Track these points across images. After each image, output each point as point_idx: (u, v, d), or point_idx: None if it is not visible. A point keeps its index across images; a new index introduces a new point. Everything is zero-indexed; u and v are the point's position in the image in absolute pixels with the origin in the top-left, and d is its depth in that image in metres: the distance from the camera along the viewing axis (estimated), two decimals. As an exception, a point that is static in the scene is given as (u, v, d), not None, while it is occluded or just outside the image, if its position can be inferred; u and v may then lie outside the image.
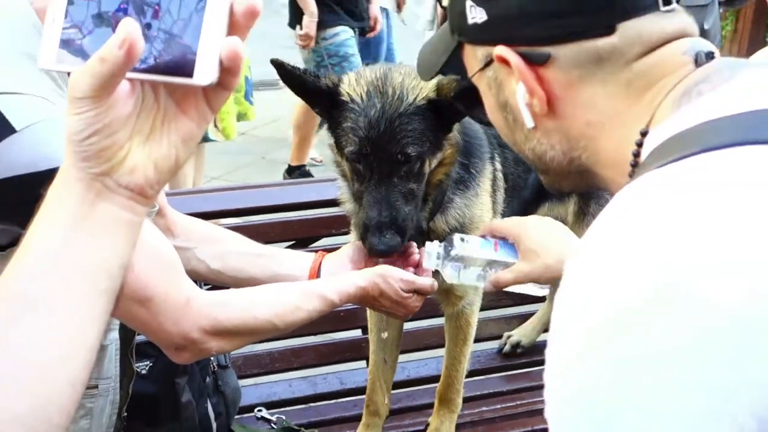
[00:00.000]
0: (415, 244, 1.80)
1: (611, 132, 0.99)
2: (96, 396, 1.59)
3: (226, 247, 1.82)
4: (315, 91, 1.77)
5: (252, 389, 2.40)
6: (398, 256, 1.77)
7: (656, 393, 0.71)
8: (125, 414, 1.74)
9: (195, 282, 1.64)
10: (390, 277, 1.69)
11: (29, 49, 1.27)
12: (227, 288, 1.73)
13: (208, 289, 1.76)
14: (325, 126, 1.84)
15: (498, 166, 2.02)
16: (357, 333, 2.46)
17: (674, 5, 0.97)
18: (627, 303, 0.74)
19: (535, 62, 0.99)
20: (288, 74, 1.73)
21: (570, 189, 1.16)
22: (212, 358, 2.15)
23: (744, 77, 0.91)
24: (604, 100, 0.99)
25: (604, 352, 0.74)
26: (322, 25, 5.21)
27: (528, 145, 1.08)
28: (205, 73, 0.76)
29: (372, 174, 1.74)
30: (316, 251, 1.89)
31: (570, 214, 2.34)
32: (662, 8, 0.96)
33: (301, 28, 5.20)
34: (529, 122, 1.03)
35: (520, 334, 2.58)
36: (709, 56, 0.96)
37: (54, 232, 0.81)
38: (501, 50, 1.00)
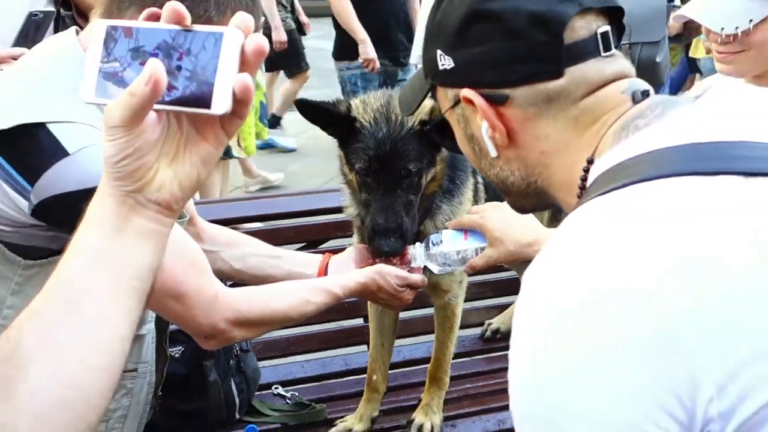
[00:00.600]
0: (409, 246, 1.96)
1: (562, 160, 1.08)
2: (135, 378, 1.69)
3: (246, 249, 1.98)
4: (330, 116, 1.98)
5: (270, 370, 2.63)
6: (394, 256, 1.94)
7: (588, 374, 0.81)
8: (160, 393, 1.91)
9: (221, 280, 1.83)
10: (387, 274, 1.85)
11: (77, 84, 1.49)
12: (248, 285, 1.86)
13: (230, 286, 1.86)
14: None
15: (479, 179, 2.22)
16: (359, 321, 2.70)
17: (613, 51, 1.07)
18: (566, 305, 0.84)
19: (495, 102, 1.08)
20: (309, 107, 1.95)
21: (530, 208, 1.25)
22: (235, 344, 2.36)
23: (674, 114, 1.00)
24: (555, 132, 1.08)
25: (551, 345, 0.84)
26: (349, 54, 5.23)
27: (492, 171, 1.17)
28: (220, 104, 0.81)
29: (379, 186, 1.94)
30: (324, 252, 2.08)
31: (544, 220, 2.48)
32: (603, 54, 1.06)
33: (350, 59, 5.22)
34: (492, 152, 1.13)
35: (500, 321, 2.77)
36: (645, 94, 1.06)
37: (93, 240, 0.85)
38: (466, 92, 1.10)
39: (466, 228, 1.91)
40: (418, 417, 2.29)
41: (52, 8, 2.66)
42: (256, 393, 2.49)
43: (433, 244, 1.92)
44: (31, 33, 2.68)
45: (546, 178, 1.12)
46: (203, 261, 1.58)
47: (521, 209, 1.26)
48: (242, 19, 0.82)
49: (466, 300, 2.41)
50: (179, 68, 0.82)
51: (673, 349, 0.79)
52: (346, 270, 1.93)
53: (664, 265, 0.82)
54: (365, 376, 2.37)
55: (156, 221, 0.86)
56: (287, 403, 2.50)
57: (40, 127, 1.38)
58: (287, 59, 6.87)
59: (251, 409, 2.45)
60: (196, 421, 2.33)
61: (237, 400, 2.39)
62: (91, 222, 0.86)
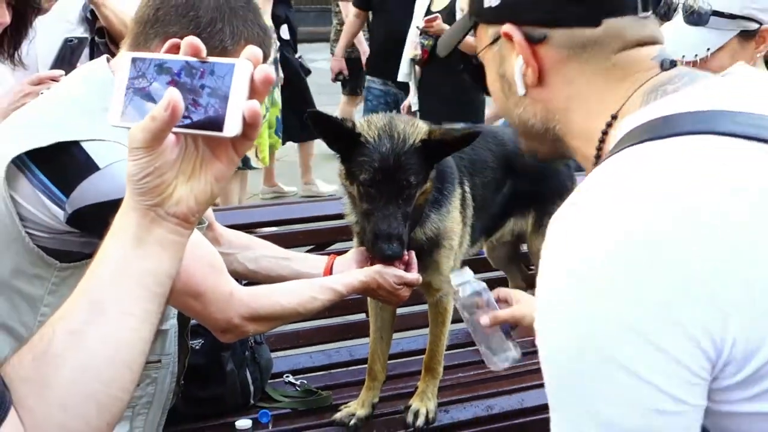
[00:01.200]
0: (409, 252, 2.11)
1: (585, 109, 1.09)
2: (160, 368, 1.80)
3: (259, 252, 2.11)
4: (338, 130, 2.13)
5: (282, 360, 2.81)
6: (396, 260, 2.07)
7: (620, 308, 0.83)
8: (182, 381, 2.04)
9: (236, 280, 1.96)
10: (385, 273, 1.99)
11: (107, 105, 1.55)
12: (261, 284, 1.98)
13: (245, 285, 1.96)
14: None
15: (467, 189, 2.41)
16: (362, 316, 2.87)
17: (650, 13, 1.09)
18: (598, 251, 0.86)
19: (533, 40, 1.10)
20: (321, 119, 2.11)
21: (544, 155, 1.24)
22: (250, 337, 2.54)
23: (703, 84, 1.03)
24: (584, 80, 1.09)
25: (580, 285, 0.85)
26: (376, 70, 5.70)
27: (516, 111, 1.17)
28: (232, 128, 0.86)
29: (382, 196, 2.09)
30: (329, 254, 2.23)
31: (529, 225, 2.74)
32: (640, 14, 1.08)
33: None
34: (520, 90, 1.14)
35: None
36: (672, 64, 1.08)
37: (118, 249, 0.90)
38: (508, 27, 1.11)
39: (502, 323, 1.93)
40: (414, 403, 2.47)
41: (87, 35, 2.87)
42: (269, 381, 2.68)
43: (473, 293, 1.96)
44: (66, 57, 2.92)
45: (565, 124, 1.13)
46: (220, 262, 1.69)
47: (537, 155, 1.25)
48: (252, 52, 0.87)
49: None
50: (196, 96, 0.87)
51: (705, 294, 0.82)
52: (349, 269, 2.05)
53: (693, 215, 0.84)
54: (367, 366, 2.53)
55: (175, 232, 0.91)
56: (297, 390, 2.68)
57: (75, 144, 1.50)
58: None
59: (264, 396, 2.64)
60: (215, 407, 2.52)
61: (252, 388, 2.58)
62: (116, 233, 0.91)
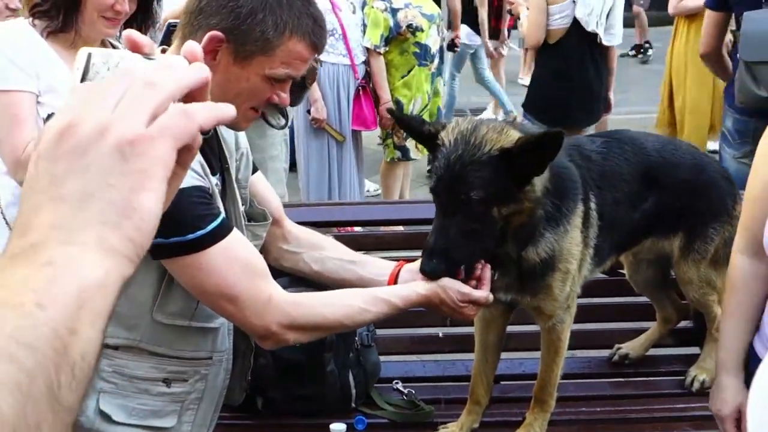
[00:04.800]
0: (482, 262, 1.91)
1: None
2: (210, 365, 1.76)
3: (326, 253, 2.03)
4: (419, 133, 1.98)
5: (393, 365, 2.72)
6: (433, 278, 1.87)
7: None
8: (248, 378, 1.98)
9: (302, 279, 1.96)
10: (449, 288, 1.83)
11: None
12: (326, 286, 1.94)
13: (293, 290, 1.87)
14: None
15: (592, 206, 2.16)
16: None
17: None
18: None
19: None
20: (400, 120, 2.03)
21: None
22: (356, 338, 2.51)
23: None
24: None
25: None
26: None
27: None
28: None
29: (440, 208, 1.89)
30: (398, 260, 2.05)
31: (675, 249, 2.44)
32: None
33: None
34: None
35: (630, 347, 2.70)
36: None
37: None
38: None
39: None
40: None
41: None
42: (377, 385, 2.60)
43: None
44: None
45: None
46: (258, 264, 1.65)
47: None
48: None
49: (593, 320, 2.39)
50: None
51: None
52: (415, 279, 1.91)
53: None
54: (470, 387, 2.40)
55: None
56: (403, 399, 2.58)
57: None
58: None
59: (369, 400, 2.56)
60: (313, 405, 2.48)
61: (354, 391, 2.52)
62: None
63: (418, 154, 5.46)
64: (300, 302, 1.70)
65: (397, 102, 5.27)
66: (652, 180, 2.34)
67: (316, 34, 1.63)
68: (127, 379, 1.68)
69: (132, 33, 0.75)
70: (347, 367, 2.51)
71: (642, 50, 11.75)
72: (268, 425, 2.48)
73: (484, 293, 1.87)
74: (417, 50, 5.26)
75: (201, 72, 0.68)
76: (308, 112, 5.11)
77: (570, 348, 2.33)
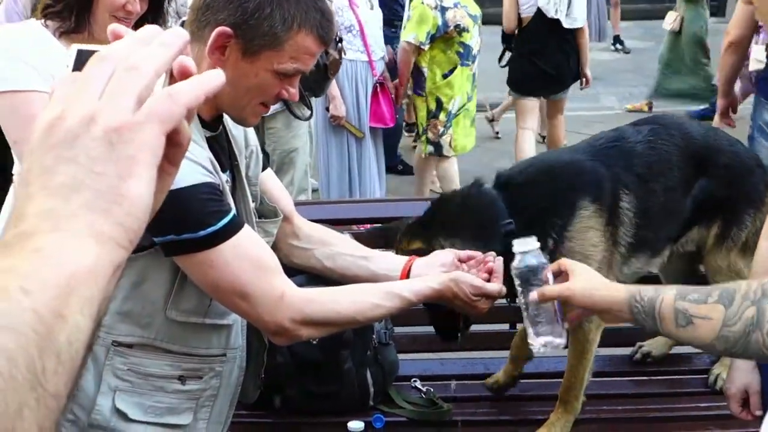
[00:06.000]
0: (493, 254, 1.91)
1: None
2: (224, 362, 1.76)
3: (337, 249, 2.01)
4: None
5: (411, 363, 2.70)
6: (476, 263, 1.90)
7: None
8: (262, 376, 1.98)
9: (315, 276, 1.96)
10: (462, 282, 1.80)
11: None
12: (337, 282, 1.91)
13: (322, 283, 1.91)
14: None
15: (624, 204, 2.18)
16: (505, 326, 2.72)
17: None
18: None
19: None
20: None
21: None
22: (374, 336, 2.48)
23: None
24: None
25: None
26: None
27: None
28: None
29: None
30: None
31: (711, 236, 2.40)
32: None
33: None
34: None
35: (652, 345, 2.66)
36: None
37: None
38: None
39: (551, 300, 1.66)
40: None
41: None
42: (395, 383, 2.58)
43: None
44: None
45: None
46: (270, 261, 1.65)
47: None
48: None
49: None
50: None
51: None
52: (429, 273, 1.91)
53: None
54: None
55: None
56: (422, 397, 2.55)
57: None
58: None
59: (387, 398, 2.54)
60: (330, 404, 2.46)
61: (371, 389, 2.50)
62: None
63: (451, 151, 5.37)
64: (313, 298, 1.69)
65: (437, 100, 5.25)
66: (699, 166, 2.33)
67: (324, 28, 1.62)
68: (142, 377, 1.67)
69: (116, 27, 0.71)
70: (365, 365, 2.49)
71: (619, 42, 11.46)
72: (285, 423, 2.47)
73: (496, 286, 1.85)
74: (461, 50, 5.20)
75: (178, 39, 0.67)
76: (327, 109, 5.08)
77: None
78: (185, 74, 0.68)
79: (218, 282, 1.58)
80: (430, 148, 5.41)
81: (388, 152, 6.45)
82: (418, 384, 2.61)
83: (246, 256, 1.59)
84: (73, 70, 0.73)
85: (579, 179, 2.18)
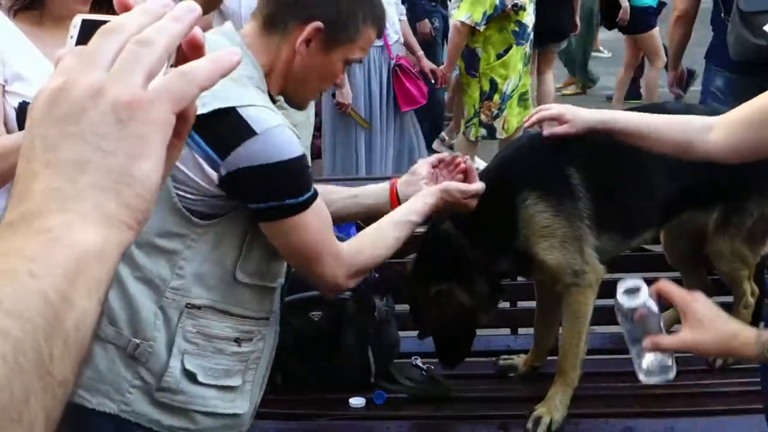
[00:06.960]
0: (462, 156, 2.08)
1: None
2: (268, 325, 1.84)
3: (330, 197, 2.02)
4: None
5: (412, 341, 2.65)
6: (445, 165, 2.05)
7: None
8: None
9: None
10: (452, 190, 1.96)
11: (246, 73, 1.63)
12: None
13: None
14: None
15: (574, 181, 2.24)
16: (505, 304, 2.70)
17: None
18: None
19: None
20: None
21: None
22: (375, 314, 2.51)
23: None
24: None
25: None
26: None
27: None
28: None
29: None
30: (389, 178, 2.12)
31: (712, 222, 2.39)
32: None
33: None
34: None
35: None
36: None
37: None
38: None
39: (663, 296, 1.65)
40: (539, 409, 2.28)
41: None
42: (396, 360, 2.61)
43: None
44: None
45: None
46: (330, 219, 1.77)
47: None
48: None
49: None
50: None
51: None
52: (414, 188, 2.01)
53: None
54: (499, 358, 2.53)
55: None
56: (423, 374, 2.58)
57: (233, 110, 1.59)
58: None
59: (388, 376, 2.56)
60: (331, 380, 2.50)
61: (373, 367, 2.53)
62: None
63: (503, 133, 5.18)
64: (358, 250, 1.82)
65: (491, 81, 5.08)
66: None
67: (382, 20, 1.79)
68: (207, 339, 1.71)
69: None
70: (366, 342, 2.52)
71: None
72: (287, 400, 2.48)
73: (480, 185, 2.01)
74: (516, 29, 5.00)
75: (190, 13, 0.63)
76: (333, 96, 4.83)
77: (592, 324, 2.32)
78: (196, 48, 0.65)
79: (305, 243, 1.69)
80: (483, 131, 5.20)
81: (435, 131, 6.40)
82: (419, 362, 2.63)
83: (324, 216, 1.72)
84: (77, 42, 0.71)
85: (512, 181, 2.28)
